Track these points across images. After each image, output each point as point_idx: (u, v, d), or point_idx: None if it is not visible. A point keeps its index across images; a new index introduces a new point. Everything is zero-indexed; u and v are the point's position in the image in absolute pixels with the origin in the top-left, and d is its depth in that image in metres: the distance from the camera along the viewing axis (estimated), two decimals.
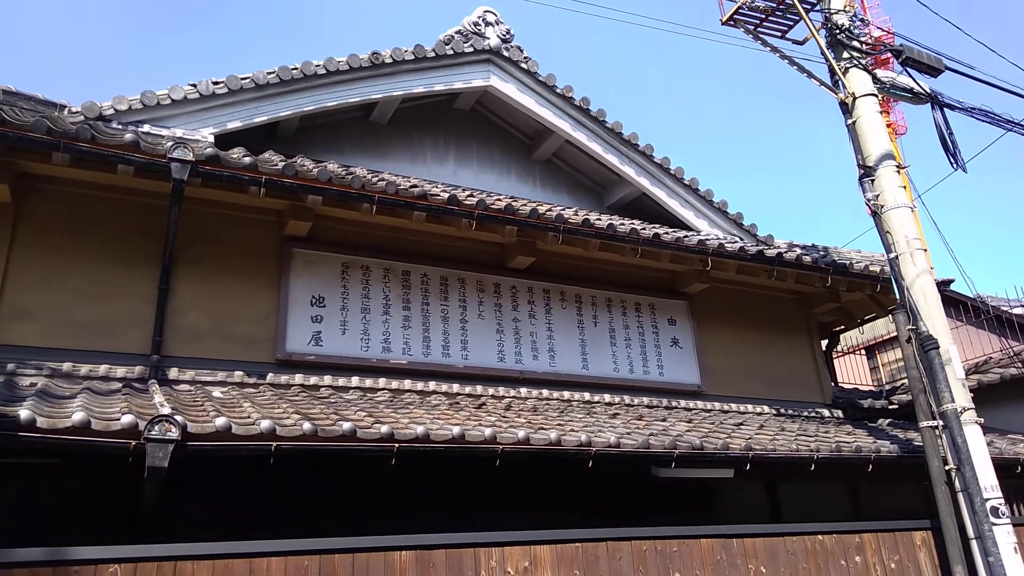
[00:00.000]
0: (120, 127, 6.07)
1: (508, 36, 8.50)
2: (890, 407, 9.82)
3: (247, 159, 5.85)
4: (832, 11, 6.73)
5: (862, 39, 6.66)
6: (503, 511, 5.67)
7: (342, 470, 5.35)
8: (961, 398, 5.73)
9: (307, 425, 4.30)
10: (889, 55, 6.89)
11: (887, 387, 11.50)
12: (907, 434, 7.41)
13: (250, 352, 6.33)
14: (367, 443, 4.45)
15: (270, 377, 6.26)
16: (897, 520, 5.77)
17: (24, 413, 3.64)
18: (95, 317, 5.87)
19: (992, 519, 5.35)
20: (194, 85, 6.71)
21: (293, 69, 7.12)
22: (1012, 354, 9.41)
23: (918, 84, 6.64)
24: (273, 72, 7.03)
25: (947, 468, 5.59)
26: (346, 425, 4.42)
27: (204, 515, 5.01)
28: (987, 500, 5.43)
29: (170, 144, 5.53)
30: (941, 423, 5.68)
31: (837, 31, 6.63)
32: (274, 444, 4.18)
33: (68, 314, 5.80)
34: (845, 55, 6.63)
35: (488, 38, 8.34)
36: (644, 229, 7.54)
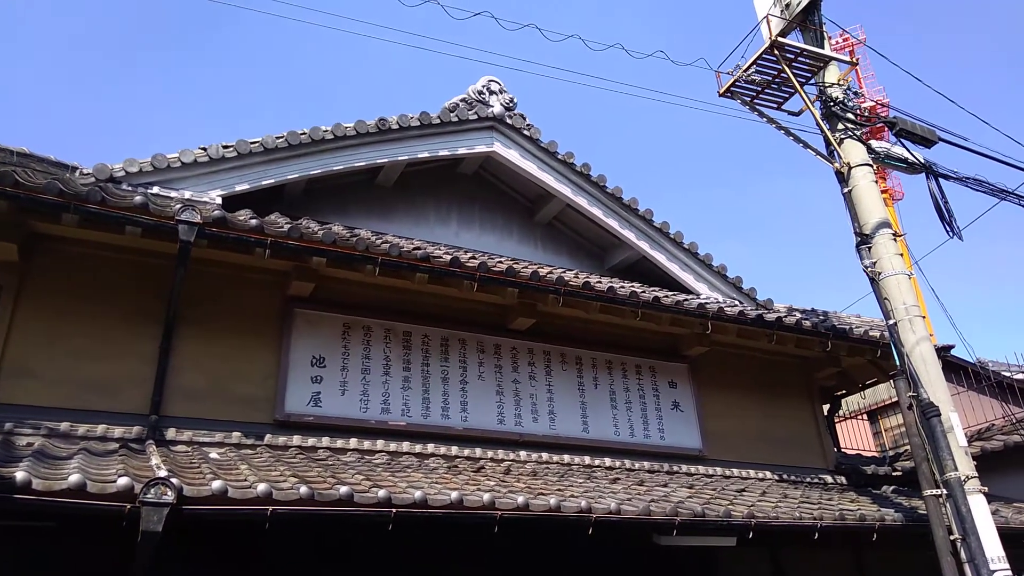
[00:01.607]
0: (130, 189, 6.20)
1: (511, 104, 8.74)
2: (894, 473, 9.70)
3: (253, 221, 5.95)
4: (826, 84, 6.93)
5: (856, 111, 6.84)
6: None
7: (339, 533, 5.28)
8: (964, 466, 5.69)
9: (304, 489, 4.27)
10: (883, 125, 7.08)
11: (890, 453, 11.38)
12: (911, 502, 7.31)
13: (249, 413, 6.31)
14: (364, 508, 4.41)
15: (268, 438, 6.23)
16: None
17: (20, 475, 3.63)
18: (96, 376, 5.87)
19: None
20: (204, 148, 6.87)
21: (301, 134, 7.30)
22: (1015, 421, 9.34)
23: (912, 155, 6.80)
24: (282, 137, 7.20)
25: (952, 538, 5.50)
26: (343, 489, 4.39)
27: None
28: (994, 572, 5.33)
29: (178, 206, 5.64)
30: (945, 492, 5.62)
31: (832, 103, 6.82)
32: (270, 508, 4.14)
33: (69, 373, 5.80)
34: (840, 126, 6.80)
35: (492, 106, 8.56)
36: (644, 292, 7.60)
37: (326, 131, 7.44)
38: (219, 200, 6.78)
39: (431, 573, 5.60)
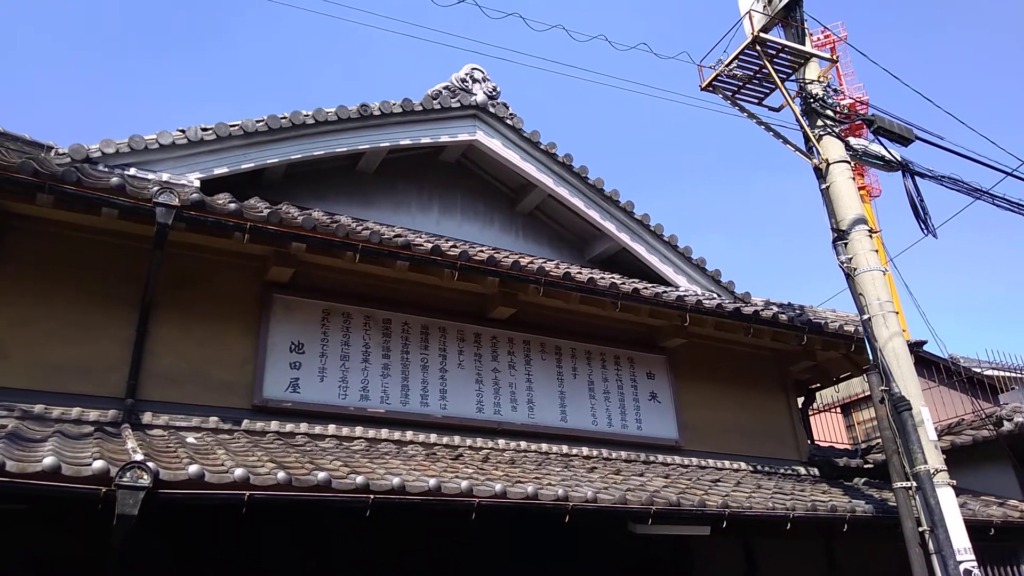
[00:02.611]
0: (107, 170, 6.11)
1: (494, 93, 8.72)
2: (865, 466, 9.86)
3: (232, 205, 5.89)
4: (807, 81, 6.99)
5: (835, 108, 6.91)
6: (476, 568, 5.61)
7: (316, 520, 5.28)
8: (934, 459, 5.80)
9: (281, 474, 4.26)
10: (862, 123, 7.16)
11: (863, 446, 11.56)
12: (882, 494, 7.45)
13: (226, 398, 6.27)
14: (342, 494, 4.41)
15: (245, 424, 6.20)
16: None
17: None
18: (71, 358, 5.80)
19: None
20: (182, 131, 6.79)
21: (282, 118, 7.24)
22: (984, 416, 9.52)
23: (889, 152, 6.88)
24: (262, 120, 7.13)
25: (921, 529, 5.62)
26: (321, 475, 4.39)
27: (173, 566, 4.90)
28: (960, 563, 5.45)
29: (156, 189, 5.57)
30: (914, 484, 5.73)
31: (811, 100, 6.88)
32: (247, 493, 4.12)
33: (43, 355, 5.73)
34: (819, 123, 6.86)
35: (475, 94, 8.54)
36: (624, 284, 7.64)
37: (307, 116, 7.39)
38: (197, 183, 6.71)
39: (407, 560, 5.62)
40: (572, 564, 6.24)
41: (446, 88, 8.51)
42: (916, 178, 6.92)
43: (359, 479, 4.48)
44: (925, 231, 6.89)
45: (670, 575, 6.76)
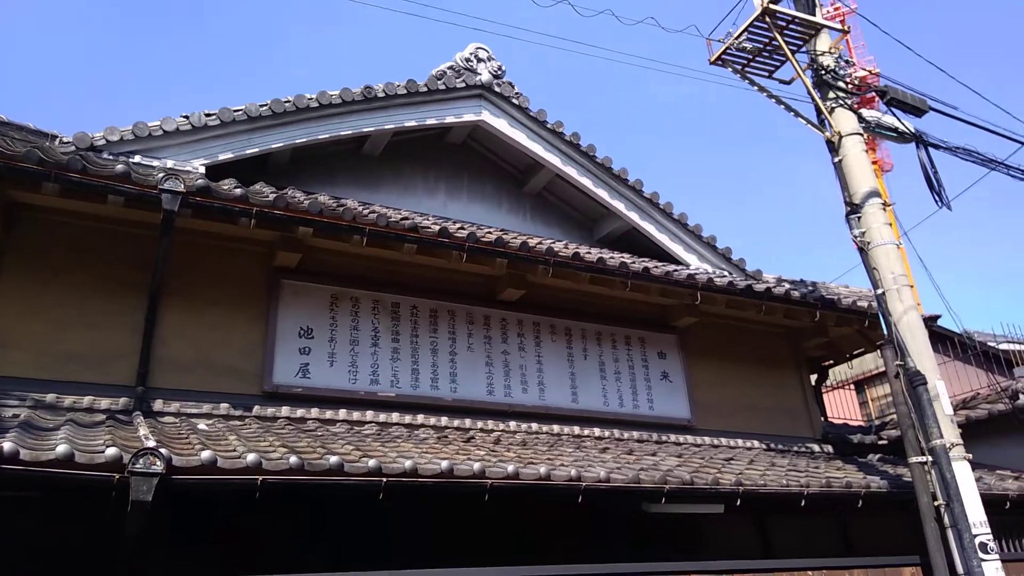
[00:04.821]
0: (111, 158, 6.09)
1: (500, 72, 8.62)
2: (880, 442, 9.81)
3: (238, 191, 5.86)
4: (818, 53, 6.86)
5: (847, 80, 6.78)
6: (490, 549, 5.60)
7: (328, 505, 5.28)
8: (949, 434, 5.74)
9: (293, 459, 4.26)
10: (874, 95, 7.03)
11: (877, 422, 11.51)
12: (897, 469, 7.41)
13: (236, 384, 6.28)
14: (354, 477, 4.41)
15: (256, 409, 6.20)
16: (887, 555, 5.74)
17: (7, 445, 3.59)
18: (81, 347, 5.81)
19: (981, 555, 5.33)
20: (186, 117, 6.74)
21: (286, 102, 7.18)
22: (1000, 389, 9.44)
23: (903, 124, 6.76)
24: (266, 105, 7.08)
25: (936, 504, 5.58)
26: (333, 459, 4.38)
27: (187, 552, 4.92)
28: (976, 536, 5.41)
29: (161, 175, 5.54)
30: (930, 459, 5.68)
31: (823, 72, 6.76)
32: (260, 478, 4.12)
33: (53, 344, 5.74)
34: (831, 95, 6.74)
35: (480, 74, 8.44)
36: (634, 263, 7.58)
37: (311, 99, 7.33)
38: (202, 169, 6.67)
39: (418, 545, 5.63)
40: (585, 543, 6.23)
41: (450, 68, 8.42)
42: (930, 149, 6.80)
43: (371, 463, 4.47)
44: (939, 203, 6.78)
45: (684, 553, 6.75)
